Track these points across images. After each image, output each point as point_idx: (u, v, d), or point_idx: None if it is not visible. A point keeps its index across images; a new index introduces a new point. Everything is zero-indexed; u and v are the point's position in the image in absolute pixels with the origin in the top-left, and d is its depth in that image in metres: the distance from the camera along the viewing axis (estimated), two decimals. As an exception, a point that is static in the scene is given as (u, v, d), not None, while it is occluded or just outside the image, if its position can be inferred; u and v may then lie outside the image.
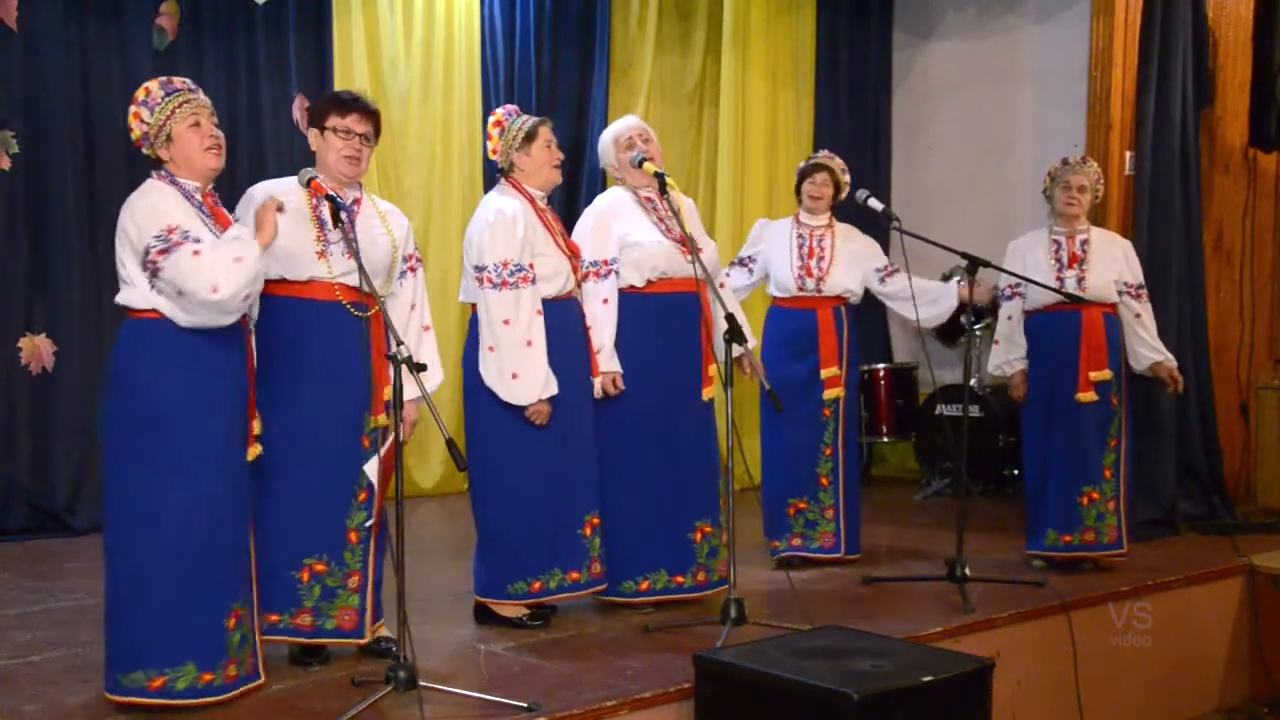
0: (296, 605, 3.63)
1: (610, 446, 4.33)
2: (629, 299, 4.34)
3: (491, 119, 4.27)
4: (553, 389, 4.04)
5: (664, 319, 4.37)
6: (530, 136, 4.19)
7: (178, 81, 3.43)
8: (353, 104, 3.73)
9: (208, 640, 3.28)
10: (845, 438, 5.15)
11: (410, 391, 3.46)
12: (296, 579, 3.62)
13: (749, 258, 5.28)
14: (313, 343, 3.60)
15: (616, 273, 4.33)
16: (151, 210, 3.27)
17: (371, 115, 3.75)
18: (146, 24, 6.01)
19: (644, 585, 4.36)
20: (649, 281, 4.35)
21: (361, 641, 3.73)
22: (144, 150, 3.42)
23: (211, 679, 3.28)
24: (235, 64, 6.29)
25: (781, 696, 3.17)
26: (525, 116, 4.25)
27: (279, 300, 3.60)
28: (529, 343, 4.01)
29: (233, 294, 3.21)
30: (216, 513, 3.30)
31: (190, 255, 3.19)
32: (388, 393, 3.56)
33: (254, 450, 3.46)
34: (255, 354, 3.52)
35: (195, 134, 3.37)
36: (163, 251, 3.21)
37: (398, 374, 3.27)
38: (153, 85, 3.40)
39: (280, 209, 3.43)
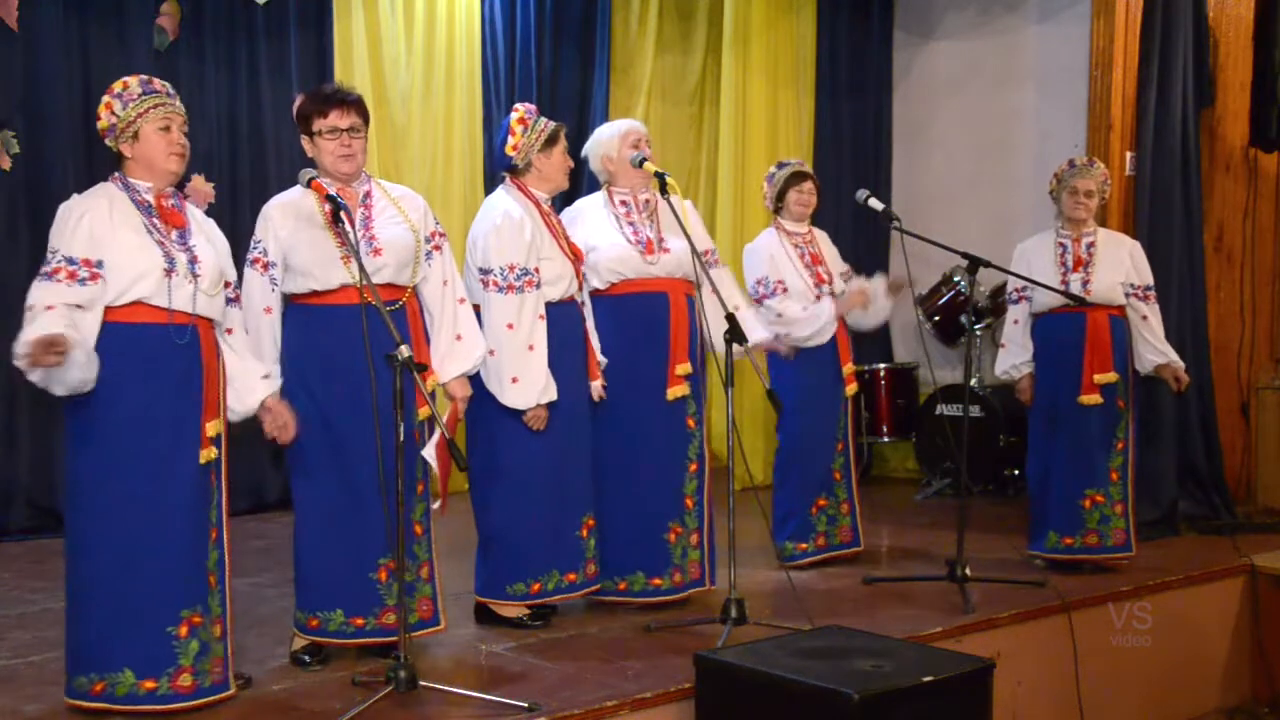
0: (380, 605, 3.64)
1: None
2: (593, 301, 4.35)
3: (514, 115, 4.19)
4: (552, 394, 4.03)
5: (626, 320, 4.35)
6: (553, 140, 4.17)
7: (158, 83, 3.38)
8: (331, 98, 3.65)
9: (148, 647, 3.18)
10: (852, 432, 5.25)
11: (452, 369, 3.66)
12: (375, 580, 3.63)
13: (781, 282, 5.02)
14: (348, 348, 3.53)
15: (584, 277, 4.34)
16: (61, 225, 3.21)
17: (353, 105, 3.66)
18: (147, 24, 6.01)
19: (621, 586, 4.37)
20: (610, 284, 4.35)
21: (439, 629, 3.74)
22: (107, 142, 3.35)
23: (155, 687, 3.18)
24: (235, 64, 6.29)
25: (782, 696, 3.17)
26: (544, 118, 4.21)
27: (311, 309, 3.62)
28: (530, 347, 4.00)
29: (20, 350, 3.00)
30: (157, 517, 3.19)
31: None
32: (431, 382, 3.57)
33: (206, 453, 3.27)
34: (292, 358, 3.55)
35: (163, 138, 3.31)
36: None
37: (399, 375, 3.26)
38: (132, 81, 3.35)
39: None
